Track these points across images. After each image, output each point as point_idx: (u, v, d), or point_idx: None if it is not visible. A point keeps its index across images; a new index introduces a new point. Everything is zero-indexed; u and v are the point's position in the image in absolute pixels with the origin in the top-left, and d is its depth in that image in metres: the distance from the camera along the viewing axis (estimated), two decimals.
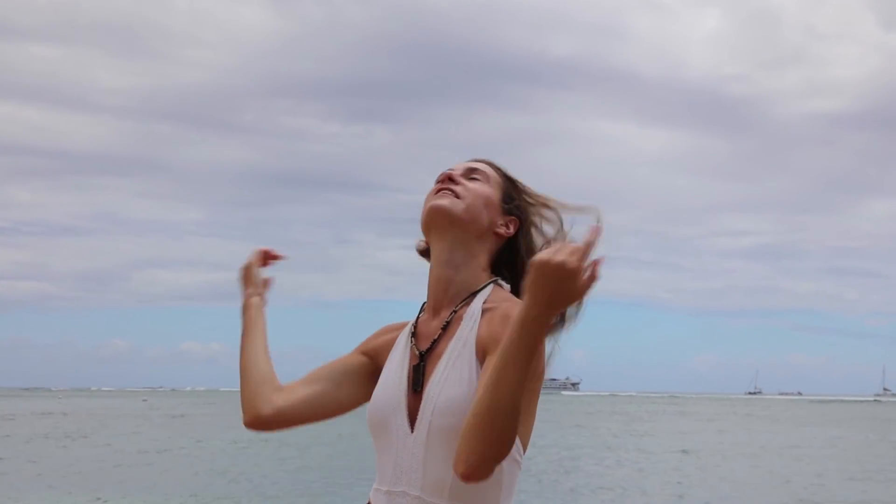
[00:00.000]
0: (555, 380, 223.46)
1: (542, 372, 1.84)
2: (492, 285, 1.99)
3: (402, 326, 2.10)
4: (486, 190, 2.01)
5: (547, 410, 67.90)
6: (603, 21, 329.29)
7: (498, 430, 1.66)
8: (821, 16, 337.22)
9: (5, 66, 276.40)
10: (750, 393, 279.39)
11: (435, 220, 1.99)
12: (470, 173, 2.03)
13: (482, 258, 2.01)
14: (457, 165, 2.07)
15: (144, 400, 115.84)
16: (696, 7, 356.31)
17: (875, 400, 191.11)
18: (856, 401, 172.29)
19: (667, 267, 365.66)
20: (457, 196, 1.98)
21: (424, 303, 2.06)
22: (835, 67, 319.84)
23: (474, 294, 1.97)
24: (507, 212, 2.03)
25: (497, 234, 2.03)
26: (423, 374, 1.92)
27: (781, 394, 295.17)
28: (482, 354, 1.86)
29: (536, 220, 2.06)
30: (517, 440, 1.83)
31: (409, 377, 1.95)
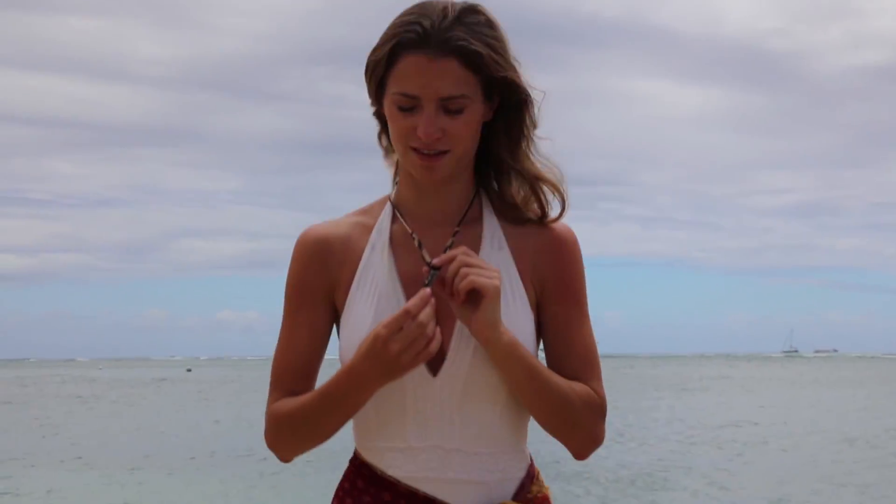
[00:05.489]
0: None
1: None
2: (481, 196, 1.74)
3: (332, 229, 1.72)
4: (470, 122, 1.63)
5: None
6: None
7: (562, 422, 1.62)
8: None
9: (45, 40, 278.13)
10: (786, 352, 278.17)
11: (434, 185, 1.69)
12: (450, 105, 1.61)
13: (469, 165, 1.72)
14: (432, 94, 1.60)
15: (189, 370, 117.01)
16: None
17: None
18: None
19: (704, 226, 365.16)
20: (445, 151, 1.62)
21: (391, 206, 1.74)
22: (877, 19, 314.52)
23: (467, 211, 1.71)
24: (487, 97, 1.66)
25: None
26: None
27: (817, 352, 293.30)
28: (536, 287, 1.67)
29: (513, 93, 1.68)
30: (538, 351, 1.68)
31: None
